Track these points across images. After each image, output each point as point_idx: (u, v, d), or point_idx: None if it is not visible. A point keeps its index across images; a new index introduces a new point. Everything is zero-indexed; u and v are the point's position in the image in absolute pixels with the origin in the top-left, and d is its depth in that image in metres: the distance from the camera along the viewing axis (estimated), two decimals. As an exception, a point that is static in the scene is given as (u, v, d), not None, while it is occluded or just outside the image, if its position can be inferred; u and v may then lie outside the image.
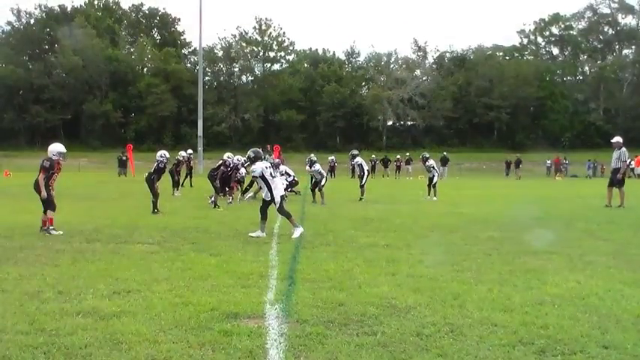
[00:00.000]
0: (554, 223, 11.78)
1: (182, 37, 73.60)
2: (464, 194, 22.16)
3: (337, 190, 21.06)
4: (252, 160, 9.88)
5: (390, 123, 66.70)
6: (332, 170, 36.56)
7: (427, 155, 19.85)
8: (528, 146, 57.89)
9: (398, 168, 43.43)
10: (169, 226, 10.75)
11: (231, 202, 16.18)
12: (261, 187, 10.07)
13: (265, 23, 67.71)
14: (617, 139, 15.88)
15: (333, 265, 6.89)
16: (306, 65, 70.60)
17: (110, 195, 20.01)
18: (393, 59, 68.98)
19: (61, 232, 9.46)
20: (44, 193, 9.57)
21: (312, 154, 18.67)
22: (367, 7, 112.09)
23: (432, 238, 9.63)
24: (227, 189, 16.67)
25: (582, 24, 71.70)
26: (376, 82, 67.58)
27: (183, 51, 72.24)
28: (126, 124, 64.13)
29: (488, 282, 6.07)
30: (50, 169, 9.71)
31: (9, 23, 67.77)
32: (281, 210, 9.63)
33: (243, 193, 17.79)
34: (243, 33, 67.91)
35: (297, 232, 9.29)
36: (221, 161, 16.92)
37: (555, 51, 74.23)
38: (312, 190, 17.19)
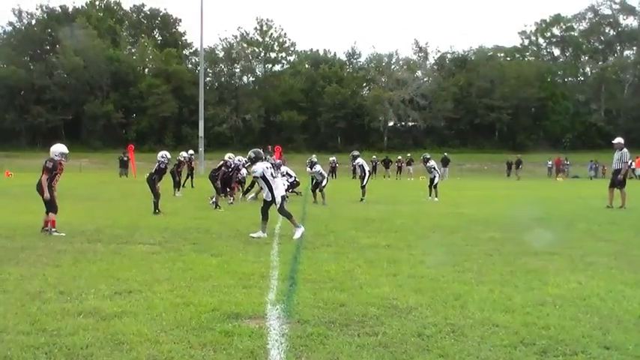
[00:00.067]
0: (555, 224, 11.77)
1: (183, 38, 73.74)
2: (465, 195, 22.16)
3: (338, 191, 21.07)
4: (253, 161, 9.88)
5: (391, 124, 66.67)
6: (333, 171, 36.57)
7: (428, 156, 19.87)
8: (529, 147, 57.87)
9: (399, 169, 43.42)
10: (170, 226, 10.75)
11: (232, 203, 16.19)
12: (262, 188, 10.08)
13: (266, 24, 67.87)
14: (619, 140, 15.88)
15: (335, 266, 6.89)
16: (307, 66, 70.56)
17: (111, 195, 20.03)
18: (394, 60, 69.01)
19: (63, 234, 9.45)
20: (47, 195, 9.56)
21: (314, 156, 18.71)
22: (368, 7, 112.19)
23: (433, 239, 9.63)
24: (228, 189, 16.68)
25: (583, 25, 71.68)
26: (377, 83, 67.59)
27: (184, 52, 72.28)
28: (127, 124, 64.13)
29: (489, 283, 6.07)
30: (53, 170, 9.70)
31: (10, 24, 68.06)
32: (282, 210, 9.63)
33: (245, 193, 17.81)
34: (245, 34, 68.11)
35: (298, 233, 9.28)
36: (222, 162, 16.93)
37: (556, 52, 74.26)
38: (313, 191, 17.19)
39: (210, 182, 16.43)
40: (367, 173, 18.57)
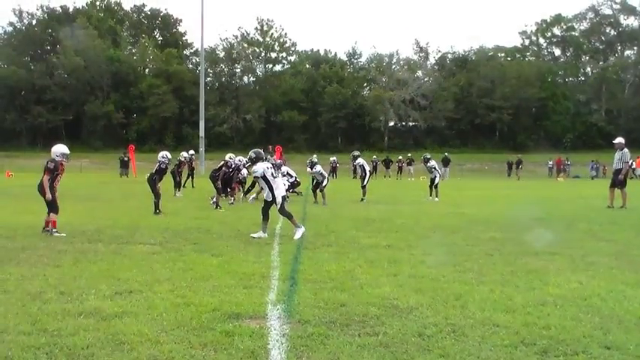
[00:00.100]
0: (556, 224, 11.76)
1: (184, 38, 73.79)
2: (466, 195, 22.16)
3: (339, 191, 21.07)
4: (254, 161, 9.88)
5: (391, 124, 66.66)
6: (334, 171, 36.57)
7: (428, 156, 19.88)
8: (530, 147, 57.83)
9: (400, 169, 43.40)
10: (171, 226, 10.76)
11: (232, 203, 16.19)
12: (262, 188, 10.08)
13: (267, 24, 67.87)
14: (619, 140, 15.88)
15: (335, 266, 6.89)
16: (307, 66, 70.53)
17: (112, 196, 20.04)
18: (394, 60, 69.02)
19: (64, 234, 9.45)
20: (49, 196, 9.55)
21: (314, 156, 18.72)
22: (369, 7, 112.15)
23: (433, 239, 9.63)
24: (229, 190, 16.69)
25: (584, 25, 71.65)
26: (378, 83, 67.60)
27: (184, 52, 72.27)
28: (127, 124, 64.17)
29: (490, 283, 6.07)
30: (54, 171, 9.70)
31: (11, 24, 68.11)
32: (282, 210, 9.62)
33: (245, 194, 17.81)
34: (245, 34, 68.11)
35: (299, 233, 9.28)
36: (223, 162, 16.95)
37: (557, 52, 74.23)
38: (314, 191, 17.20)
39: (211, 182, 16.44)
40: (368, 173, 18.57)
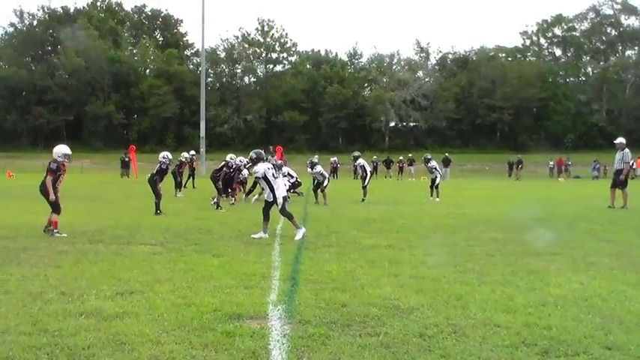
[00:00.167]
0: (556, 224, 11.76)
1: (185, 39, 73.88)
2: (466, 195, 22.15)
3: (340, 191, 21.08)
4: (255, 162, 9.89)
5: (392, 124, 66.66)
6: (334, 171, 36.58)
7: (429, 156, 19.89)
8: (531, 147, 57.76)
9: (400, 169, 43.39)
10: (172, 227, 10.76)
11: (233, 204, 16.19)
12: (263, 188, 10.08)
13: (268, 24, 67.91)
14: (620, 140, 15.86)
15: (336, 266, 6.89)
16: (308, 66, 70.55)
17: (113, 196, 20.05)
18: (395, 60, 69.03)
19: (65, 235, 9.45)
20: (52, 197, 9.54)
21: (316, 156, 18.73)
22: (370, 8, 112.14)
23: (434, 239, 9.63)
24: (230, 190, 16.69)
25: (585, 25, 71.65)
26: (379, 84, 67.62)
27: (185, 52, 72.32)
28: (128, 125, 64.23)
29: (491, 283, 6.06)
30: (57, 171, 9.70)
31: (12, 24, 68.24)
32: (283, 211, 9.62)
33: (247, 194, 17.81)
34: (246, 34, 68.13)
35: (300, 234, 9.27)
36: (224, 162, 16.96)
37: (558, 52, 74.22)
38: (315, 191, 17.20)
39: (212, 183, 16.45)
40: (368, 174, 18.57)
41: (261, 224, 9.58)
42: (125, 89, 64.12)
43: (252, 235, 9.44)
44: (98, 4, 72.81)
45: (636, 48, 70.00)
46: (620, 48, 71.57)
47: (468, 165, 51.72)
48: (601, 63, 69.71)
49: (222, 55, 68.32)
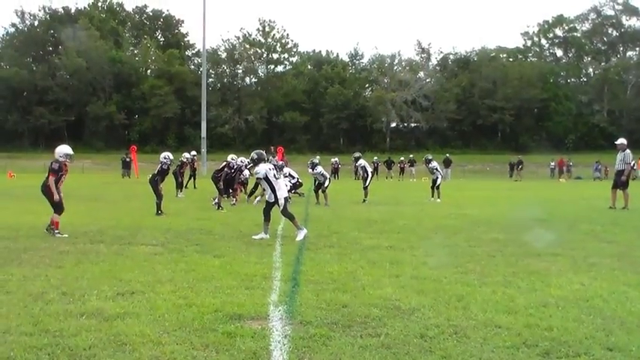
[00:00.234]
0: (558, 225, 11.75)
1: (186, 39, 73.95)
2: (467, 196, 22.14)
3: (341, 192, 21.08)
4: (256, 162, 9.90)
5: (393, 125, 66.68)
6: (335, 172, 36.58)
7: (430, 157, 19.89)
8: (532, 148, 57.74)
9: (401, 170, 43.36)
10: (173, 227, 10.76)
11: (234, 204, 16.19)
12: (264, 189, 10.08)
13: (269, 25, 67.97)
14: (622, 140, 15.85)
15: (337, 267, 6.89)
16: (309, 67, 70.60)
17: (114, 196, 20.06)
18: (396, 61, 69.06)
19: (66, 235, 9.44)
20: (56, 197, 9.53)
21: (317, 157, 18.71)
22: (371, 8, 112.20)
23: (435, 240, 9.62)
24: (231, 191, 16.69)
25: (586, 26, 71.66)
26: (380, 84, 67.64)
27: (186, 53, 72.34)
28: (129, 125, 64.27)
29: (492, 284, 6.06)
30: (59, 171, 9.70)
31: (13, 25, 68.38)
32: (284, 212, 9.62)
33: (249, 195, 17.79)
34: (247, 35, 68.17)
35: (301, 235, 9.26)
36: (225, 163, 16.96)
37: (559, 53, 74.26)
38: (316, 192, 17.20)
39: (213, 183, 16.45)
40: (369, 174, 18.56)
41: (262, 225, 9.57)
42: (126, 89, 64.18)
43: (253, 236, 9.44)
44: (99, 4, 72.91)
45: (637, 49, 70.06)
46: (622, 49, 71.57)
47: (469, 166, 51.70)
48: (602, 64, 69.71)
49: (224, 55, 68.37)
